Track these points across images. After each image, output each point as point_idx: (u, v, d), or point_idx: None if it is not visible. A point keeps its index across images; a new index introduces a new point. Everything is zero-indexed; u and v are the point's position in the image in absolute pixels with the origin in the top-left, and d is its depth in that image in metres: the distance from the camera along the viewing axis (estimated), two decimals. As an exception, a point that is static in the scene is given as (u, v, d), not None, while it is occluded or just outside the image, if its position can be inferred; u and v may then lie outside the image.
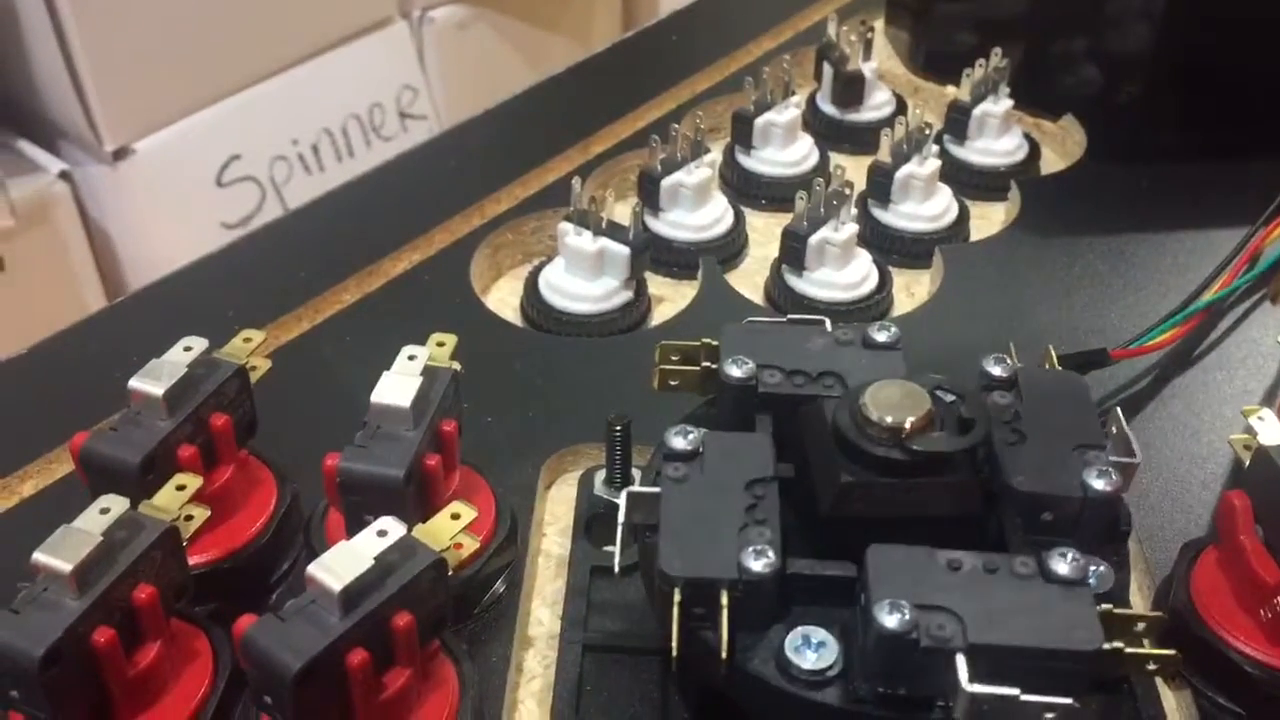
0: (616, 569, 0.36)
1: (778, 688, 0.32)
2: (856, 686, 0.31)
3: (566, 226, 0.54)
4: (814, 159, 0.63)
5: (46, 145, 1.14)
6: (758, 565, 0.32)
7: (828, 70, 0.67)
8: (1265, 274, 0.54)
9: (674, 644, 0.32)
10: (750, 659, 0.32)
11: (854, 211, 0.55)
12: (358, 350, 0.51)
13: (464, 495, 0.40)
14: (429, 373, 0.39)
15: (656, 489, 0.34)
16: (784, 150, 0.62)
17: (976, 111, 0.63)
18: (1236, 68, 0.63)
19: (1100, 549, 0.34)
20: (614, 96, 0.68)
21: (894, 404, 0.34)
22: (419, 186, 0.62)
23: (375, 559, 0.33)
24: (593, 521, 0.44)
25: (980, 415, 0.34)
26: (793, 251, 0.54)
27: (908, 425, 0.33)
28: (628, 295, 0.54)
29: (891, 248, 0.58)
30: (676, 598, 0.32)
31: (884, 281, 0.56)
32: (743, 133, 0.62)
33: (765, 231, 0.60)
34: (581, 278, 0.54)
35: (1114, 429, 0.37)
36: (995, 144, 0.63)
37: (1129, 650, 0.31)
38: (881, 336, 0.39)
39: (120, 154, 1.12)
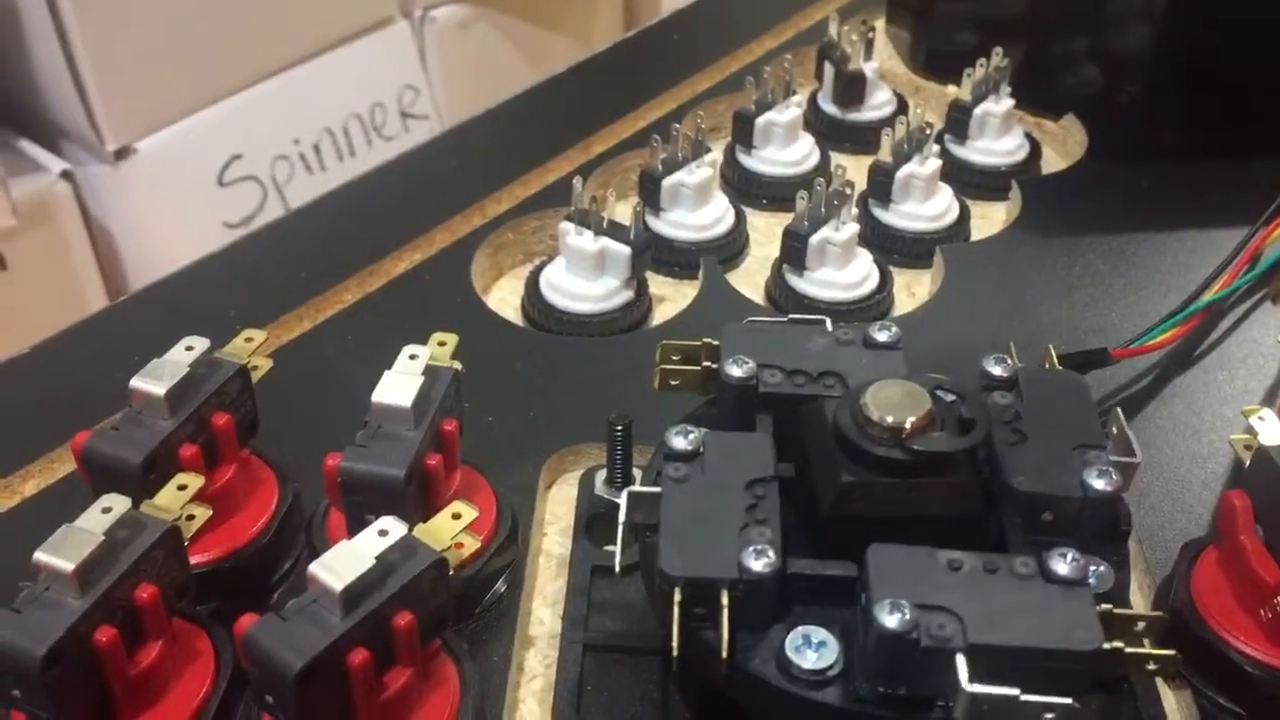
0: (617, 569, 0.37)
1: (778, 687, 0.32)
2: (857, 686, 0.31)
3: (567, 226, 0.54)
4: (815, 159, 0.63)
5: (48, 145, 1.14)
6: (758, 565, 0.32)
7: (829, 70, 0.67)
8: (1266, 274, 0.54)
9: (674, 644, 0.32)
10: (751, 659, 0.32)
11: (855, 211, 0.55)
12: (359, 350, 0.51)
13: (465, 495, 0.40)
14: (430, 372, 0.39)
15: (657, 489, 0.34)
16: (785, 150, 0.62)
17: (977, 111, 0.63)
18: (1238, 67, 0.63)
19: (1100, 549, 0.34)
20: (615, 96, 0.68)
21: (895, 404, 0.34)
22: (420, 186, 0.62)
23: (376, 559, 0.33)
24: (593, 521, 0.44)
25: (981, 415, 0.34)
26: (794, 251, 0.54)
27: (908, 425, 0.33)
28: (628, 295, 0.54)
29: (892, 247, 0.58)
30: (677, 597, 0.32)
31: (885, 281, 0.56)
32: (744, 132, 0.62)
33: (766, 231, 0.60)
34: (582, 277, 0.54)
35: (1114, 429, 0.37)
36: (996, 144, 0.63)
37: (1129, 650, 0.31)
38: (882, 336, 0.39)
39: (122, 153, 1.12)
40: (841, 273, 0.54)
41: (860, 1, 0.76)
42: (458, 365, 0.40)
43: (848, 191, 0.54)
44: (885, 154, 0.58)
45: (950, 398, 0.35)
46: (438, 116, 1.35)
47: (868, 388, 0.34)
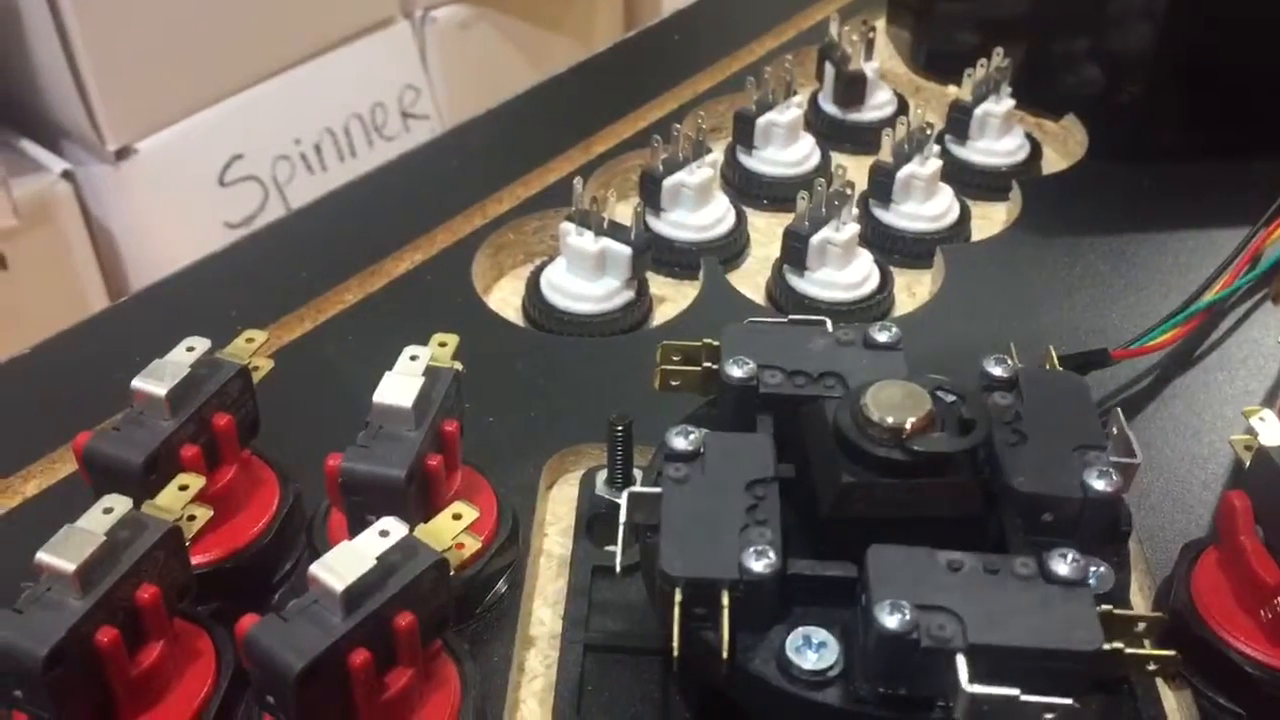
0: (618, 569, 0.37)
1: (778, 688, 0.32)
2: (857, 687, 0.31)
3: (568, 226, 0.54)
4: (815, 159, 0.63)
5: (49, 145, 1.14)
6: (758, 565, 0.32)
7: (829, 70, 0.67)
8: (1267, 274, 0.54)
9: (675, 644, 0.32)
10: (751, 659, 0.32)
11: (855, 211, 0.55)
12: (360, 350, 0.51)
13: (466, 495, 0.40)
14: (431, 373, 0.39)
15: (657, 489, 0.34)
16: (785, 150, 0.62)
17: (978, 111, 0.63)
18: (1238, 67, 0.63)
19: (1101, 549, 0.34)
20: (616, 96, 0.68)
21: (895, 404, 0.34)
22: (421, 186, 0.62)
23: (377, 559, 0.33)
24: (594, 521, 0.44)
25: (981, 416, 0.35)
26: (794, 251, 0.54)
27: (908, 426, 0.33)
28: (629, 295, 0.54)
29: (893, 248, 0.58)
30: (677, 598, 0.32)
31: (885, 282, 0.56)
32: (744, 132, 0.62)
33: (767, 231, 0.60)
34: (583, 278, 0.54)
35: (1115, 429, 0.37)
36: (997, 144, 0.63)
37: (1129, 651, 0.31)
38: (882, 337, 0.39)
39: (123, 153, 1.12)
40: (842, 273, 0.54)
41: (861, 2, 0.76)
42: (458, 366, 0.40)
43: (848, 192, 0.54)
44: (886, 154, 0.58)
45: (950, 398, 0.35)
46: (438, 117, 1.35)
47: (868, 388, 0.35)
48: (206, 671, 0.36)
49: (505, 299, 0.57)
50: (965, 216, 0.60)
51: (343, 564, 0.32)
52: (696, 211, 0.58)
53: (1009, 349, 0.39)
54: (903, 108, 0.68)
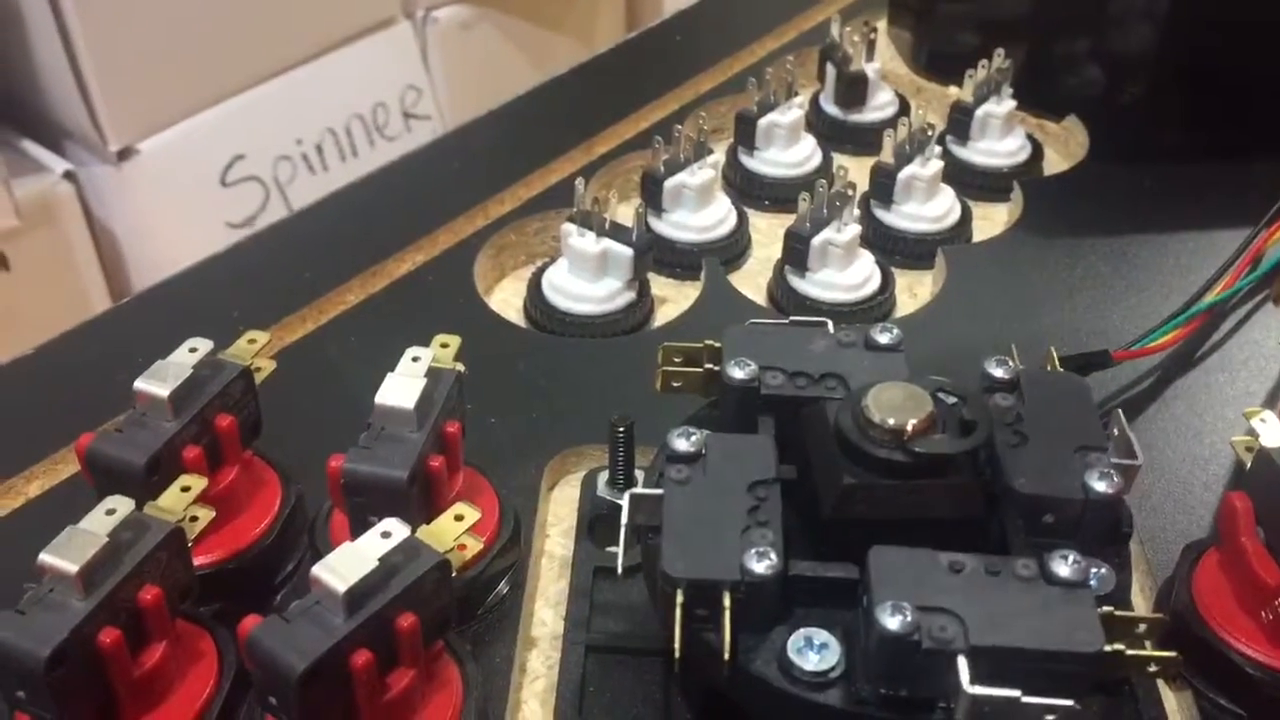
0: (619, 570, 0.37)
1: (780, 689, 0.32)
2: (858, 688, 0.31)
3: (570, 227, 0.54)
4: (817, 160, 0.63)
5: (51, 145, 1.14)
6: (760, 567, 0.32)
7: (831, 71, 0.67)
8: (1268, 275, 0.54)
9: (676, 645, 0.32)
10: (752, 660, 0.32)
11: (857, 212, 0.55)
12: (362, 351, 0.52)
13: (467, 496, 0.40)
14: (432, 374, 0.39)
15: (659, 490, 0.34)
16: (787, 151, 0.62)
17: (979, 112, 0.63)
18: (1239, 69, 0.63)
19: (1102, 551, 0.34)
20: (617, 97, 0.68)
21: (896, 406, 0.34)
22: (423, 187, 0.62)
23: (379, 560, 0.33)
24: (596, 523, 0.44)
25: (982, 417, 0.35)
26: (795, 252, 0.54)
27: (910, 427, 0.34)
28: (631, 296, 0.54)
29: (894, 249, 0.58)
30: (679, 599, 0.32)
31: (886, 283, 0.56)
32: (746, 133, 0.62)
33: (768, 232, 0.60)
34: (584, 279, 0.54)
35: (1116, 431, 0.37)
36: (998, 145, 0.63)
37: (1130, 652, 0.31)
38: (884, 338, 0.39)
39: (125, 154, 1.12)
40: (843, 274, 0.54)
41: (862, 2, 0.76)
42: (460, 367, 0.40)
43: (850, 193, 0.54)
44: (887, 155, 0.58)
45: (952, 400, 0.35)
46: (440, 117, 1.35)
47: (869, 389, 0.35)
48: (209, 672, 0.36)
49: (507, 300, 0.57)
50: (966, 217, 0.60)
51: (345, 565, 0.32)
52: (698, 212, 0.58)
53: (1010, 350, 0.39)
54: (904, 109, 0.68)
